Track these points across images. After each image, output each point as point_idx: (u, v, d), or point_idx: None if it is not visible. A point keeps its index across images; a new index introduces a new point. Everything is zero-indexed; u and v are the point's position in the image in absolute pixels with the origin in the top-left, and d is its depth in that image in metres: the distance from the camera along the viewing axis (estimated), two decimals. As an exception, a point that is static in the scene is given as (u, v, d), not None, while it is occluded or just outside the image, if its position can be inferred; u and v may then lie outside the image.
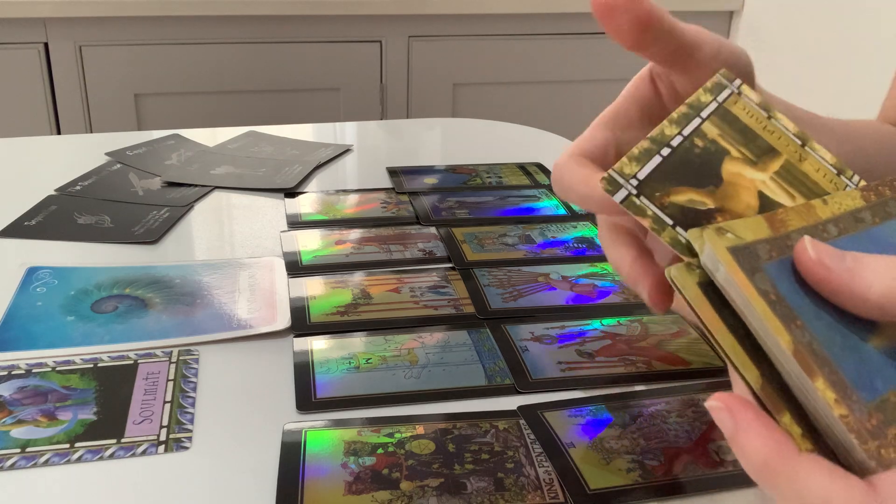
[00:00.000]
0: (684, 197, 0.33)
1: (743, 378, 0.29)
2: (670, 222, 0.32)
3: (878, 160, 0.56)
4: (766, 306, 0.28)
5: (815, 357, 0.27)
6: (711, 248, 0.29)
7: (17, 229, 0.67)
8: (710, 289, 0.29)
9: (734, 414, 0.28)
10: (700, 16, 1.80)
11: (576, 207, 0.73)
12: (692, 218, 0.32)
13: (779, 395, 0.29)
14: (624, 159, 0.33)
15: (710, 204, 0.33)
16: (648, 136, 0.34)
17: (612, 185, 0.32)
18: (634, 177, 0.33)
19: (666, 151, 0.34)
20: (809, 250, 0.29)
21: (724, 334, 0.29)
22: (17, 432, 0.42)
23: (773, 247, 0.30)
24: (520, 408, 0.45)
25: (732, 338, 0.29)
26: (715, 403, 0.28)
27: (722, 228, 0.29)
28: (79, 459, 0.41)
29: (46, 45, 1.60)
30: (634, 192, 0.32)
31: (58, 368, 0.48)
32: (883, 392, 0.28)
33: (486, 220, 0.71)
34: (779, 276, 0.29)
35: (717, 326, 0.29)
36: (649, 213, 0.32)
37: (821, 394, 0.27)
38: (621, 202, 0.32)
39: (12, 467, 0.40)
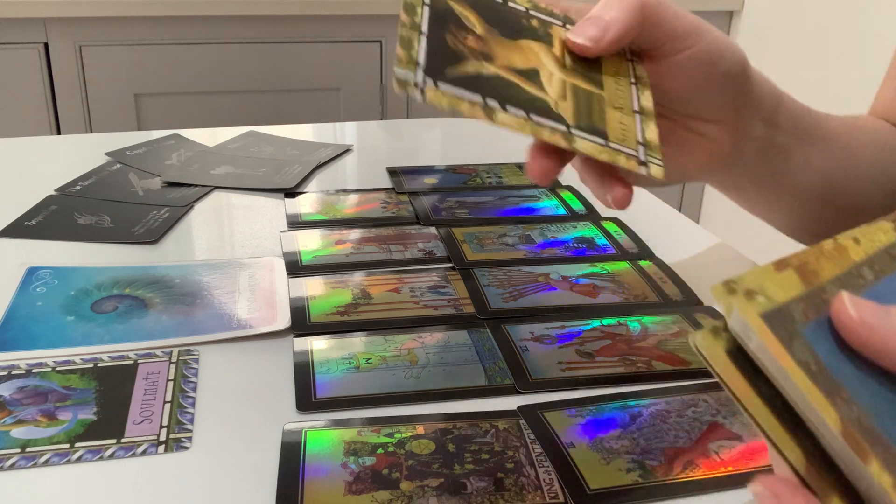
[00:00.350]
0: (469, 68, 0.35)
1: (783, 456, 0.26)
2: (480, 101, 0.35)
3: (870, 161, 0.56)
4: (808, 381, 0.25)
5: (866, 435, 0.24)
6: (741, 315, 0.25)
7: (17, 229, 0.67)
8: (741, 356, 0.26)
9: (782, 502, 0.25)
10: (700, 15, 1.80)
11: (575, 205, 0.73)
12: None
13: (825, 475, 0.26)
14: (398, 55, 0.34)
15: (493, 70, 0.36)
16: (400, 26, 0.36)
17: (402, 83, 0.33)
18: (415, 63, 0.34)
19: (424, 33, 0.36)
20: (850, 309, 0.26)
21: (759, 409, 0.26)
22: (17, 432, 0.42)
23: (809, 305, 0.27)
24: (520, 408, 0.45)
25: (769, 413, 0.26)
26: (760, 489, 0.26)
27: (752, 291, 0.26)
28: (79, 459, 0.41)
29: (46, 45, 1.60)
30: (423, 81, 0.34)
31: (58, 368, 0.48)
32: None
33: (486, 220, 0.71)
34: (817, 341, 0.26)
35: (751, 401, 0.26)
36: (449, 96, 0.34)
37: (876, 479, 0.24)
38: (422, 96, 0.33)
39: (12, 467, 0.40)
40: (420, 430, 0.43)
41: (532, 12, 0.44)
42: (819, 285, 0.27)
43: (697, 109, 0.48)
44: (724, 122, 0.49)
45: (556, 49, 0.42)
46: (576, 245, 0.66)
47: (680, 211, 1.02)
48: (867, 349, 0.26)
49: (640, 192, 0.79)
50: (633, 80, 0.44)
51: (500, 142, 0.96)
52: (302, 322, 0.53)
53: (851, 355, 0.26)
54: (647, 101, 0.43)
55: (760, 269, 0.27)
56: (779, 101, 0.51)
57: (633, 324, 0.54)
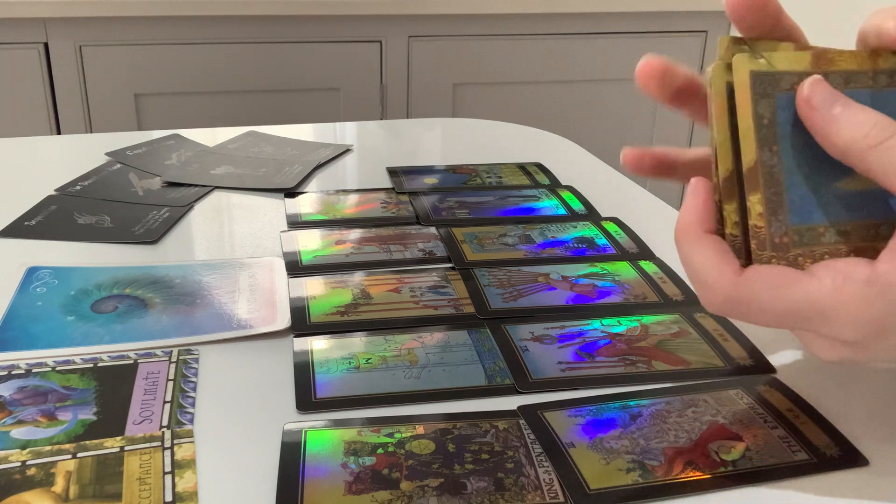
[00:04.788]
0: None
1: (717, 169, 0.34)
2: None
3: None
4: (752, 124, 0.32)
5: (766, 177, 0.33)
6: (735, 67, 0.33)
7: (17, 229, 0.67)
8: (732, 92, 0.33)
9: (694, 185, 0.35)
10: (700, 16, 1.80)
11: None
12: None
13: (737, 191, 0.34)
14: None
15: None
16: None
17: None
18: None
19: None
20: (804, 88, 0.33)
21: (722, 128, 0.33)
22: (17, 432, 0.42)
23: (802, 80, 0.33)
24: (520, 408, 0.45)
25: (728, 133, 0.33)
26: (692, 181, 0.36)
27: (757, 54, 0.33)
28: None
29: (46, 45, 1.60)
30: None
31: (58, 368, 0.48)
32: (815, 222, 0.33)
33: (486, 220, 0.71)
34: (784, 107, 0.33)
35: (720, 120, 0.33)
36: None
37: (750, 204, 0.33)
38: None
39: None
40: (420, 430, 0.43)
41: None
42: (825, 71, 0.33)
43: None
44: None
45: None
46: (576, 245, 0.66)
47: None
48: (806, 123, 0.33)
49: (640, 193, 0.79)
50: None
51: (500, 142, 0.96)
52: (302, 322, 0.53)
53: (803, 128, 0.33)
54: None
55: (783, 44, 0.34)
56: None
57: (633, 324, 0.54)
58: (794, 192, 0.33)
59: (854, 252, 0.34)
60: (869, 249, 0.34)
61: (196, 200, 0.74)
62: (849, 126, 0.32)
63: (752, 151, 0.33)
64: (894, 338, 0.34)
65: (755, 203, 0.33)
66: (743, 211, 0.34)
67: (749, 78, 0.33)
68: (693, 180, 0.36)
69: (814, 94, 0.33)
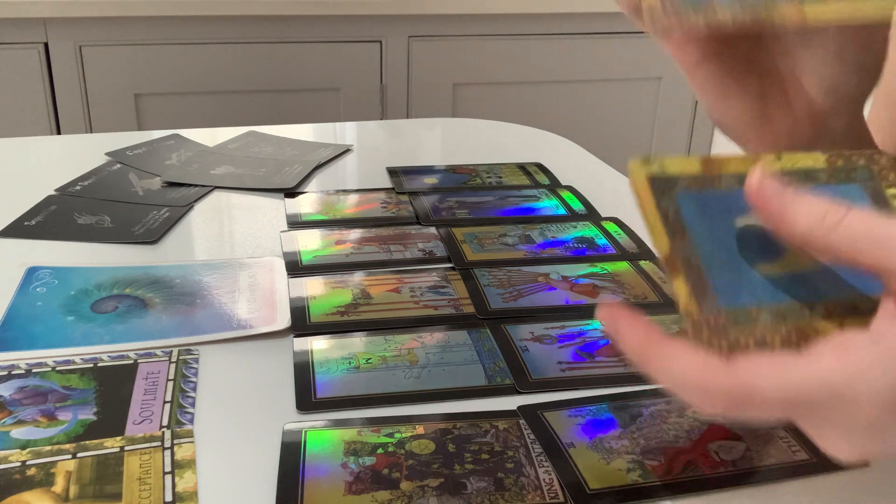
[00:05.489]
0: None
1: (656, 245, 0.34)
2: None
3: None
4: (658, 219, 0.34)
5: (684, 264, 0.33)
6: (631, 171, 0.34)
7: (17, 229, 0.67)
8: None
9: (613, 317, 0.34)
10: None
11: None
12: None
13: (680, 266, 0.34)
14: None
15: None
16: None
17: None
18: None
19: None
20: (753, 181, 0.33)
21: (651, 213, 0.34)
22: (18, 432, 0.42)
23: (696, 182, 0.35)
24: (520, 408, 0.45)
25: (658, 218, 0.34)
26: (601, 314, 0.35)
27: (652, 161, 0.35)
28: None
29: (46, 45, 1.60)
30: None
31: (58, 368, 0.48)
32: (745, 304, 0.34)
33: (486, 220, 0.71)
34: (686, 203, 0.34)
35: (648, 207, 0.34)
36: None
37: (676, 289, 0.33)
38: None
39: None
40: (420, 430, 0.43)
41: None
42: (716, 174, 0.35)
43: (820, 79, 0.45)
44: (824, 107, 0.47)
45: None
46: (576, 245, 0.66)
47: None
48: (761, 214, 0.33)
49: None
50: None
51: (500, 142, 0.96)
52: (302, 322, 0.53)
53: (717, 223, 0.35)
54: None
55: (675, 157, 0.36)
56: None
57: (633, 324, 0.54)
58: (715, 277, 0.34)
59: (796, 332, 0.34)
60: (810, 330, 0.34)
61: (196, 200, 0.74)
62: (805, 212, 0.32)
63: (664, 241, 0.33)
64: None
65: (680, 288, 0.33)
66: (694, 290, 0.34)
67: (646, 179, 0.34)
68: (603, 312, 0.35)
69: (763, 186, 0.33)
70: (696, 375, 0.32)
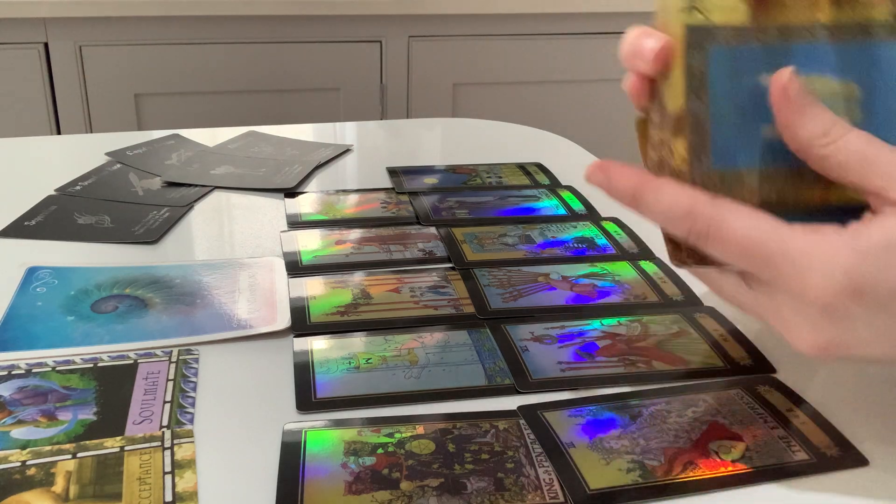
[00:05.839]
0: None
1: (663, 106, 0.35)
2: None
3: None
4: (682, 73, 0.34)
5: (692, 122, 0.34)
6: (665, 13, 0.35)
7: (17, 229, 0.67)
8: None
9: (606, 170, 0.37)
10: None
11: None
12: None
13: (687, 125, 0.35)
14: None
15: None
16: None
17: None
18: None
19: None
20: (784, 76, 0.34)
21: (678, 66, 0.34)
22: (18, 433, 0.42)
23: (739, 35, 0.34)
24: (520, 408, 0.45)
25: (682, 74, 0.35)
26: (589, 169, 0.37)
27: (696, 9, 0.34)
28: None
29: (46, 45, 1.60)
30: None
31: (58, 368, 0.48)
32: (738, 166, 0.35)
33: (486, 220, 0.71)
34: (718, 59, 0.34)
35: (678, 59, 0.35)
36: None
37: (674, 147, 0.35)
38: None
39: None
40: (420, 430, 0.43)
41: None
42: (763, 25, 0.34)
43: None
44: None
45: None
46: (576, 245, 0.66)
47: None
48: (776, 110, 0.34)
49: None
50: None
51: (500, 142, 0.96)
52: (302, 322, 0.53)
53: (742, 83, 0.35)
54: None
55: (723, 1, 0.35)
56: None
57: (633, 324, 0.54)
58: (719, 136, 0.35)
59: (777, 197, 0.36)
60: (790, 197, 0.36)
61: (196, 200, 0.74)
62: (812, 123, 0.34)
63: (679, 100, 0.34)
64: (876, 309, 0.32)
65: (679, 147, 0.35)
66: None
67: (685, 32, 0.34)
68: (592, 167, 0.37)
69: (788, 88, 0.34)
70: (686, 201, 0.35)
